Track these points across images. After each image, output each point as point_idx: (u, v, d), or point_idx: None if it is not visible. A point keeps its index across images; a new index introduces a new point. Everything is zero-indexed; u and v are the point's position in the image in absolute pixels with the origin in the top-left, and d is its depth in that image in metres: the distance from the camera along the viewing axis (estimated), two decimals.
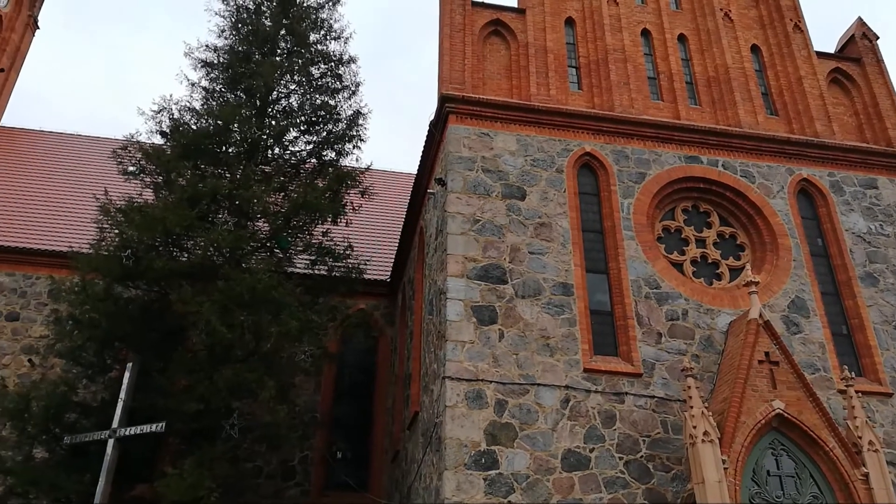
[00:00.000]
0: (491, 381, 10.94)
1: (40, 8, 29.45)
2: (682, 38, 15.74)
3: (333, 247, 15.45)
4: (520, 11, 15.24)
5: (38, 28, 29.50)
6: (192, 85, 16.09)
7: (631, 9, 15.67)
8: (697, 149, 13.93)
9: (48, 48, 62.36)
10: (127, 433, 11.80)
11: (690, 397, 10.35)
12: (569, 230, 12.58)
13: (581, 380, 11.28)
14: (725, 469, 9.78)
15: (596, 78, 14.70)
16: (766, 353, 11.07)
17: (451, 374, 10.86)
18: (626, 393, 11.33)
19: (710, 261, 13.28)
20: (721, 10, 15.88)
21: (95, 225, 14.21)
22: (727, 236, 13.68)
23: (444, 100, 13.40)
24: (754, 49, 15.92)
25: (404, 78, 70.11)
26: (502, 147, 13.22)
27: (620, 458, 10.78)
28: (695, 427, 10.02)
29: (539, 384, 11.08)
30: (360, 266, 15.67)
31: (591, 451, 10.76)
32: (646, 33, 15.60)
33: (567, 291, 11.95)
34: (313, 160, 16.28)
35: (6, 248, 17.07)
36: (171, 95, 21.92)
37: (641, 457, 10.86)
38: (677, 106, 14.59)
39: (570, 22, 15.47)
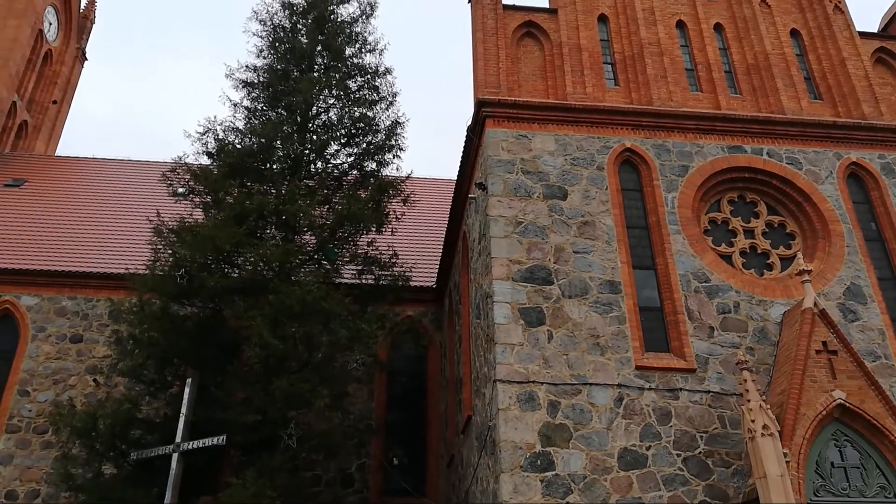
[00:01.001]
0: (542, 383, 10.95)
1: (87, 40, 30.65)
2: (718, 28, 15.51)
3: (379, 256, 15.67)
4: (552, 11, 15.24)
5: (87, 59, 30.69)
6: (235, 105, 16.51)
7: (665, 1, 15.50)
8: (740, 138, 13.71)
9: (96, 77, 64.71)
10: (190, 447, 12.11)
11: (747, 391, 10.19)
12: (613, 227, 12.51)
13: (634, 377, 11.20)
14: (787, 462, 9.59)
15: (632, 73, 14.60)
16: (824, 343, 10.84)
17: (501, 377, 10.91)
18: (681, 389, 11.21)
19: (759, 251, 13.05)
20: None
21: (150, 246, 14.64)
22: (776, 225, 13.42)
23: (480, 104, 13.48)
24: (794, 33, 15.60)
25: (433, 82, 70.53)
26: (541, 148, 13.23)
27: (678, 455, 10.67)
28: (753, 421, 9.86)
29: (591, 384, 11.04)
30: (406, 274, 15.85)
31: (648, 448, 10.67)
32: (681, 25, 15.42)
33: (614, 289, 11.89)
34: (355, 172, 16.53)
35: (68, 273, 17.71)
36: (215, 117, 22.55)
37: (700, 453, 10.73)
38: (717, 96, 14.39)
39: (602, 18, 15.40)
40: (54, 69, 28.67)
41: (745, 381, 10.28)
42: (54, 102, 28.34)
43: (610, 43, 15.16)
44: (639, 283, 12.22)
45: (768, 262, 12.96)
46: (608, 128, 13.60)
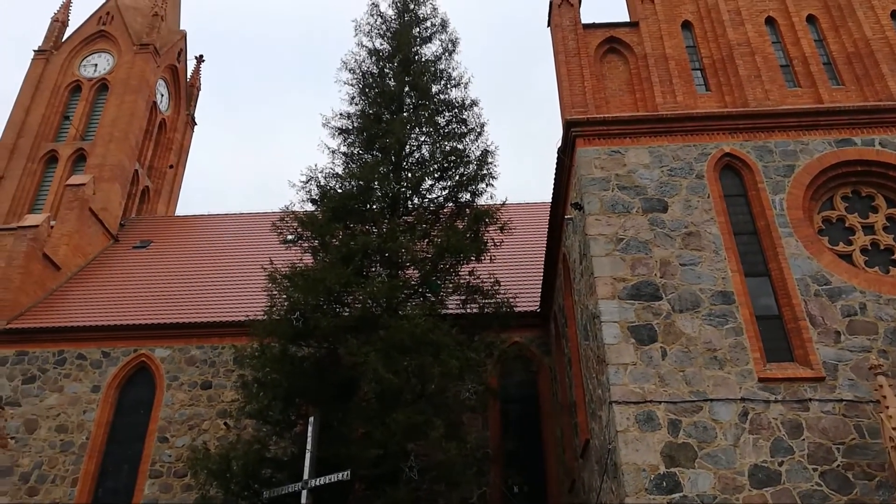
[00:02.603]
0: (660, 402, 10.69)
1: (195, 106, 33.13)
2: (811, 19, 14.89)
3: (481, 284, 15.86)
4: (633, 25, 15.14)
5: (196, 124, 33.12)
6: (333, 152, 17.30)
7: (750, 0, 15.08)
8: (848, 130, 13.02)
9: (205, 137, 69.60)
10: (317, 483, 12.50)
11: (884, 397, 9.56)
12: (719, 235, 12.14)
13: (757, 390, 10.73)
14: None
15: (724, 76, 14.23)
16: None
17: (617, 399, 10.74)
18: (810, 399, 10.63)
19: (882, 247, 12.26)
20: None
21: (266, 293, 15.47)
22: None
23: (569, 125, 13.52)
24: (895, 15, 14.71)
25: (515, 105, 70.81)
26: (635, 161, 13.08)
27: (815, 470, 10.09)
28: (894, 429, 9.22)
29: (712, 399, 10.67)
30: (509, 300, 15.93)
31: (780, 464, 10.16)
32: (770, 21, 14.92)
33: (727, 299, 11.49)
34: (450, 204, 16.87)
35: (195, 324, 19.00)
36: (315, 165, 23.54)
37: (838, 466, 10.10)
38: (818, 89, 13.76)
39: (686, 25, 15.16)
40: (168, 136, 31.14)
41: (882, 386, 9.66)
42: (171, 167, 30.73)
43: (696, 48, 14.88)
44: (753, 291, 11.75)
45: (893, 258, 12.15)
46: (704, 134, 13.28)
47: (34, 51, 28.73)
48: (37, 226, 21.26)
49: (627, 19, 15.43)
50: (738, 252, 12.07)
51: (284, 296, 14.88)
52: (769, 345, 11.23)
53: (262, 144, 78.54)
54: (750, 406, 10.61)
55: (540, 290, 18.18)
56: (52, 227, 22.67)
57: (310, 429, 13.15)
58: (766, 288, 11.84)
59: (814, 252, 11.90)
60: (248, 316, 16.41)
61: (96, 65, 28.92)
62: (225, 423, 17.40)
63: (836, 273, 11.67)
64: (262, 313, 15.18)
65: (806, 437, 10.34)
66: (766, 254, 12.09)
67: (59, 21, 29.87)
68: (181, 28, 33.31)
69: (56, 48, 29.02)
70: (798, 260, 11.82)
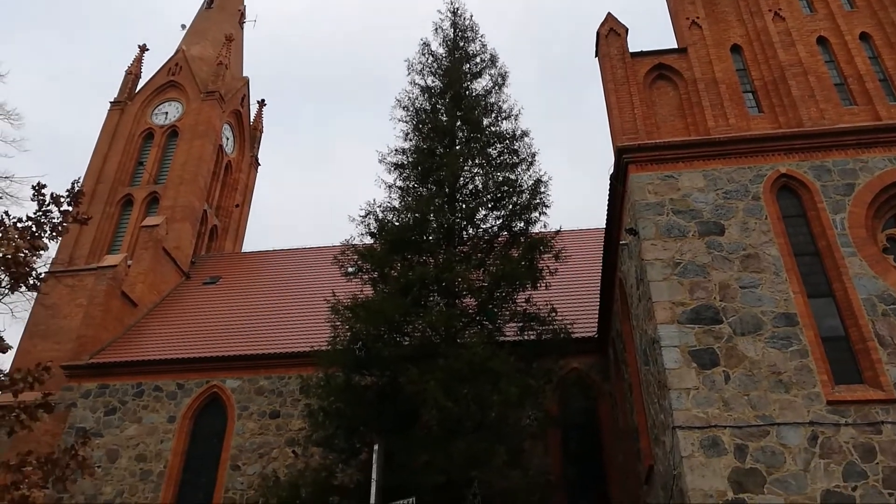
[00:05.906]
0: (725, 426, 10.58)
1: (259, 148, 34.57)
2: (864, 37, 14.72)
3: (537, 312, 16.01)
4: (681, 51, 15.27)
5: (260, 165, 34.53)
6: (389, 187, 17.79)
7: (800, 21, 15.04)
8: None
9: (269, 177, 72.21)
10: None
11: None
12: (780, 257, 12.01)
13: (826, 413, 10.52)
14: None
15: (776, 97, 14.18)
16: None
17: (680, 424, 10.68)
18: (883, 422, 10.34)
19: None
20: None
21: (329, 324, 15.98)
22: None
23: (620, 151, 13.65)
24: None
25: (571, 128, 70.94)
26: (689, 186, 13.09)
27: (890, 494, 9.78)
28: None
29: (779, 423, 10.50)
30: (566, 326, 16.01)
31: (854, 489, 9.90)
32: (822, 41, 14.82)
33: (791, 321, 11.34)
34: (504, 233, 17.12)
35: (263, 356, 19.72)
36: (374, 199, 24.13)
37: None
38: (875, 106, 13.56)
39: (735, 48, 15.19)
40: (234, 177, 32.57)
41: None
42: (237, 206, 32.08)
43: (747, 71, 14.89)
44: (817, 312, 11.56)
45: None
46: (759, 156, 13.21)
47: (110, 102, 30.65)
48: (115, 266, 22.55)
49: (675, 46, 15.57)
50: (800, 273, 11.91)
51: (347, 326, 15.34)
52: (836, 367, 11.01)
53: (321, 178, 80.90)
54: (819, 430, 10.40)
55: (597, 316, 18.17)
56: (129, 266, 23.94)
57: (374, 457, 13.41)
58: (831, 309, 11.63)
59: (879, 271, 11.65)
60: (312, 347, 16.94)
61: (167, 113, 30.64)
62: (293, 452, 17.89)
63: None
64: (326, 344, 15.67)
65: (880, 460, 10.06)
66: (829, 274, 11.90)
67: (133, 73, 31.82)
68: (244, 75, 34.97)
69: (130, 99, 30.88)
70: (863, 280, 11.60)
